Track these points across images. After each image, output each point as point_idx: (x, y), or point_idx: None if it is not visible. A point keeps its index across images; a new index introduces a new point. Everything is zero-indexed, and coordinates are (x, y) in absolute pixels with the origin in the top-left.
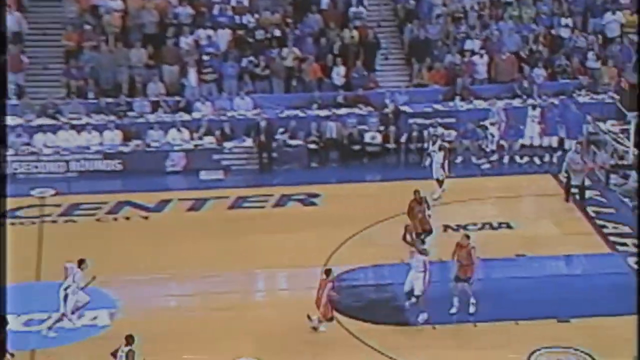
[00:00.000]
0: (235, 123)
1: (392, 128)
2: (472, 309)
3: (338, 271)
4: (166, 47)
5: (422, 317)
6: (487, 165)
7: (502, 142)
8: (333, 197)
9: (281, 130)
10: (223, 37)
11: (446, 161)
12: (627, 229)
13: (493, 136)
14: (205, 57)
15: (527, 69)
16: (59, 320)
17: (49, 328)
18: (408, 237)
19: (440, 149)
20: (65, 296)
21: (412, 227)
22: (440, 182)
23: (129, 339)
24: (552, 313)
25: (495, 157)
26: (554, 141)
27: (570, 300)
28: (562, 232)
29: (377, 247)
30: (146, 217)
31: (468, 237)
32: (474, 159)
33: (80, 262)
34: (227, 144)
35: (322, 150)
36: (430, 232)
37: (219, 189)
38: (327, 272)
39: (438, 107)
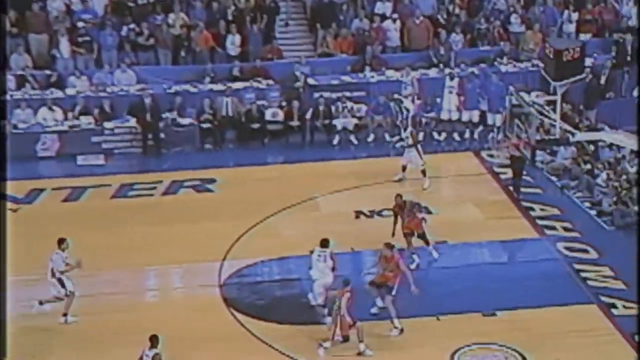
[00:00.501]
0: (116, 100)
1: (296, 103)
2: (374, 309)
3: (238, 265)
4: (32, 12)
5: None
6: (402, 143)
7: (417, 117)
8: (230, 182)
9: (169, 107)
10: (99, 0)
11: (418, 146)
12: (555, 211)
13: (408, 111)
14: (78, 25)
15: (443, 35)
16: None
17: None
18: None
19: (410, 135)
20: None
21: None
22: (423, 172)
23: (154, 340)
24: (476, 306)
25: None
26: (475, 115)
27: (496, 292)
28: (486, 216)
29: (282, 237)
30: (14, 210)
31: (391, 246)
32: (387, 137)
33: (60, 242)
34: (108, 124)
35: (216, 129)
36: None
37: (100, 175)
38: (346, 282)
39: (346, 78)
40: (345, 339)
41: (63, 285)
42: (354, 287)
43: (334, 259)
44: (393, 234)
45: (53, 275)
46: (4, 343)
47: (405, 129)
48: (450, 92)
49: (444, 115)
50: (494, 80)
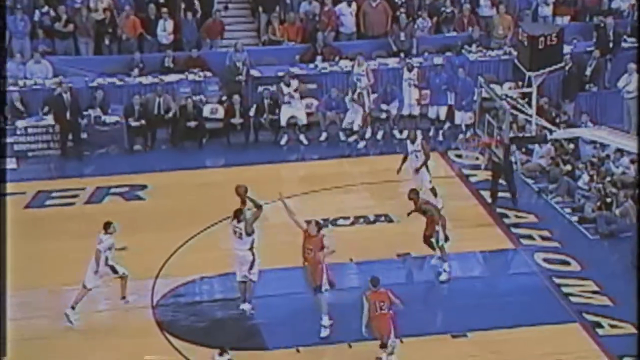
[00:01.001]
0: (30, 95)
1: (237, 98)
2: (324, 332)
3: (173, 284)
4: None
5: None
6: (362, 144)
7: (375, 112)
8: (164, 188)
9: (91, 103)
10: None
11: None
12: (532, 218)
13: (364, 106)
14: None
15: (403, 19)
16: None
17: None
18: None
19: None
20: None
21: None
22: (434, 191)
23: (223, 351)
24: (445, 327)
25: (367, 132)
26: (442, 112)
27: (466, 310)
28: (455, 224)
29: (223, 251)
30: None
31: (319, 225)
32: (341, 135)
33: (106, 226)
34: (20, 123)
35: (147, 128)
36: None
37: (12, 182)
38: (374, 281)
39: (294, 70)
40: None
41: (115, 271)
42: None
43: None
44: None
45: (106, 263)
46: (4, 343)
47: (412, 138)
48: (410, 85)
49: (405, 111)
50: (461, 75)
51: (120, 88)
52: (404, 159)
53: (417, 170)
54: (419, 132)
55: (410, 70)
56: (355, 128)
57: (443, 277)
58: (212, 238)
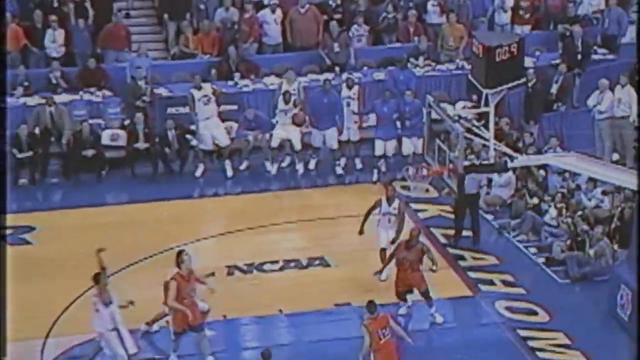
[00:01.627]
0: None
1: (140, 116)
2: None
3: (67, 344)
4: None
5: None
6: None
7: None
8: (55, 230)
9: None
10: None
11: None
12: (492, 260)
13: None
14: None
15: (335, 27)
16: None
17: None
18: None
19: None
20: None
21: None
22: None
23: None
24: None
25: (299, 162)
26: (390, 146)
27: None
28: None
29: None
30: None
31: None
32: (267, 165)
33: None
34: None
35: (35, 158)
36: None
37: None
38: (371, 307)
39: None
40: None
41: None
42: None
43: None
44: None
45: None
46: (4, 343)
47: (389, 196)
48: (349, 105)
49: (343, 136)
50: (408, 98)
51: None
52: (367, 216)
53: (392, 241)
54: (395, 188)
55: (350, 87)
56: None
57: (439, 319)
58: (114, 288)
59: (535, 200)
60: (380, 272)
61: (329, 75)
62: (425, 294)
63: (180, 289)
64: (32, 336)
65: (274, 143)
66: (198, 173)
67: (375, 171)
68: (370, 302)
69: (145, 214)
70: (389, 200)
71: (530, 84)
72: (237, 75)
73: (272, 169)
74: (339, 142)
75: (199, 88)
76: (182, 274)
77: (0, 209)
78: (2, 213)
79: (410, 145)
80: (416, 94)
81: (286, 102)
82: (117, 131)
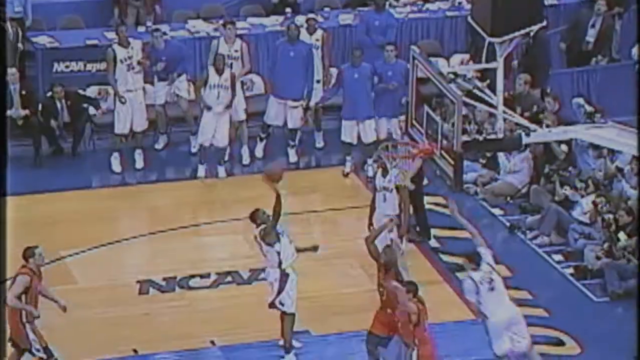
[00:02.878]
0: None
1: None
2: None
3: None
4: None
5: None
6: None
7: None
8: None
9: None
10: None
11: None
12: (501, 271)
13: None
14: None
15: None
16: None
17: None
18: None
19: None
20: None
21: None
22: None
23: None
24: None
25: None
26: (367, 130)
27: None
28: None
29: None
30: None
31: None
32: (192, 142)
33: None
34: None
35: None
36: None
37: None
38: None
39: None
40: None
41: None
42: None
43: None
44: None
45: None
46: (4, 343)
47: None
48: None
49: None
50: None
51: None
52: (373, 206)
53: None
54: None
55: (311, 32)
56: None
57: None
58: None
59: (566, 190)
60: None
61: (278, 19)
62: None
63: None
64: None
65: (201, 140)
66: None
67: (348, 160)
68: None
69: (23, 211)
70: (383, 172)
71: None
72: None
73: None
74: (307, 108)
75: (125, 45)
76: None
77: None
78: None
79: (387, 127)
80: (398, 48)
81: (219, 73)
82: None
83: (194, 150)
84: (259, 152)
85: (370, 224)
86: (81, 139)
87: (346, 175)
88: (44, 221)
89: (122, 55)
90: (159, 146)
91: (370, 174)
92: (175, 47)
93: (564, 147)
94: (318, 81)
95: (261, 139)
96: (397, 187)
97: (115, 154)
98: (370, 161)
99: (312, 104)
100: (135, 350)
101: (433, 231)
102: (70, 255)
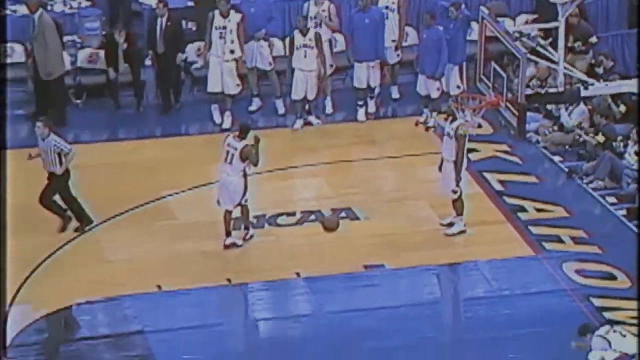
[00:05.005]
0: None
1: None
2: None
3: (34, 314)
4: None
5: None
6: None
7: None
8: (22, 172)
9: None
10: None
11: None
12: (560, 212)
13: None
14: None
15: None
16: None
17: None
18: None
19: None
20: None
21: None
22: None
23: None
24: None
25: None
26: (434, 88)
27: (461, 348)
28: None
29: (110, 264)
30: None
31: None
32: (278, 105)
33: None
34: None
35: None
36: None
37: None
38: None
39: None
40: None
41: None
42: None
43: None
44: None
45: None
46: (4, 343)
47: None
48: (386, 17)
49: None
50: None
51: None
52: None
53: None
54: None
55: None
56: (309, 97)
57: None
58: (92, 246)
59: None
60: (451, 224)
61: None
62: None
63: None
64: None
65: (295, 96)
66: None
67: (426, 111)
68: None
69: (130, 155)
70: (451, 121)
71: None
72: None
73: (282, 109)
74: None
75: (224, 15)
76: None
77: None
78: None
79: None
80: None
81: (303, 33)
82: (95, 51)
83: (280, 112)
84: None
85: (440, 167)
86: (181, 93)
87: (419, 124)
88: (147, 164)
89: (218, 23)
90: (252, 108)
91: (432, 124)
92: (266, 5)
93: (622, 108)
94: (393, 41)
95: (360, 106)
96: (456, 136)
97: (215, 105)
98: (429, 112)
99: (390, 61)
100: (228, 280)
101: (498, 176)
102: (170, 195)
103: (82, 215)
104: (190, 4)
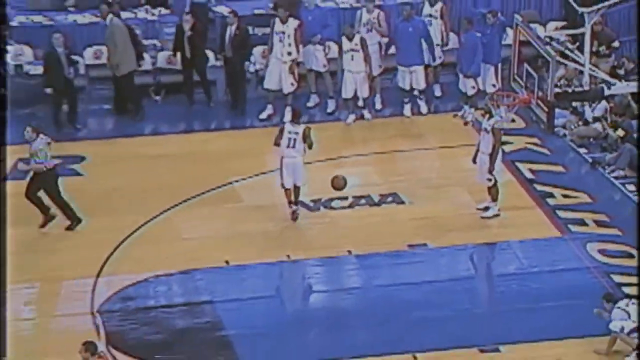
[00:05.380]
0: None
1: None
2: None
3: (120, 284)
4: None
5: None
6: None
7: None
8: (106, 161)
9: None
10: None
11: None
12: (584, 198)
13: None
14: None
15: None
16: None
17: None
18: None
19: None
20: None
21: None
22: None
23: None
24: (471, 339)
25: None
26: (470, 86)
27: (498, 317)
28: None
29: (184, 242)
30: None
31: None
32: (330, 105)
33: None
34: None
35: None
36: None
37: None
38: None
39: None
40: None
41: None
42: None
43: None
44: None
45: None
46: (4, 343)
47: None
48: (430, 24)
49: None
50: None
51: (46, 28)
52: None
53: (490, 155)
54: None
55: (432, 4)
56: (362, 95)
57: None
58: (169, 225)
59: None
60: (486, 208)
61: None
62: None
63: None
64: (83, 275)
65: (345, 94)
66: (263, 115)
67: (465, 107)
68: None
69: (202, 145)
70: (489, 117)
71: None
72: None
73: (332, 107)
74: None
75: (283, 21)
76: None
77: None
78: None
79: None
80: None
81: (349, 39)
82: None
83: (329, 110)
84: (423, 108)
85: (474, 159)
86: (244, 90)
87: (456, 117)
88: (217, 154)
89: (278, 28)
90: (310, 104)
91: (470, 119)
92: (322, 13)
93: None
94: (437, 45)
95: (406, 102)
96: (493, 130)
97: (269, 106)
98: (467, 108)
99: (433, 63)
100: (288, 256)
101: (529, 165)
102: (237, 181)
103: (70, 214)
104: (258, 11)
